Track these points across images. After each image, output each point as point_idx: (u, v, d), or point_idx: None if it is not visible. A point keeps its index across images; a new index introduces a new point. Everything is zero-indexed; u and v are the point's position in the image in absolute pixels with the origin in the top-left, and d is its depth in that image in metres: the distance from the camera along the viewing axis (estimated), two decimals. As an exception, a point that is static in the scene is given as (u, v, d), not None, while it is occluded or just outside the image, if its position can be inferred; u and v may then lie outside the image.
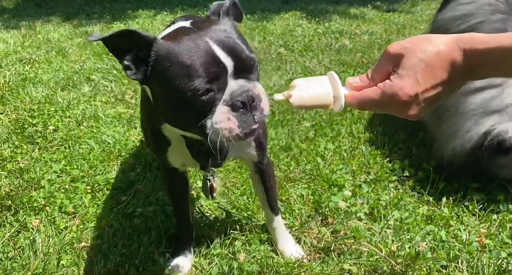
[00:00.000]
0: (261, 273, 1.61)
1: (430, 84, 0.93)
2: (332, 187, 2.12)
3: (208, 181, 1.48)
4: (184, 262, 1.66)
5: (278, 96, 1.02)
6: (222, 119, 1.06)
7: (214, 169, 1.42)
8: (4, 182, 2.15)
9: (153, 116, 1.32)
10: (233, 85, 1.07)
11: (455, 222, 1.84)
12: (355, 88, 1.01)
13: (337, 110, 1.01)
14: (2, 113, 2.96)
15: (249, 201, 2.00)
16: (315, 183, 2.14)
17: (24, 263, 1.64)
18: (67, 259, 1.68)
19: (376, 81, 0.99)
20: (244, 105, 1.06)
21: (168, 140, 1.38)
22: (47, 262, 1.65)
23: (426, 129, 2.49)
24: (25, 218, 1.88)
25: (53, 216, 1.92)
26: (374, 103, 0.97)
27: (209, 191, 1.48)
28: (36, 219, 1.86)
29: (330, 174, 2.19)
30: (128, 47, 1.10)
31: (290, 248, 1.70)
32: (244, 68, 1.09)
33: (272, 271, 1.61)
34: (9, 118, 2.88)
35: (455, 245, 1.71)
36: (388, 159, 2.34)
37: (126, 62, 1.11)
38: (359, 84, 1.02)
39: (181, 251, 1.69)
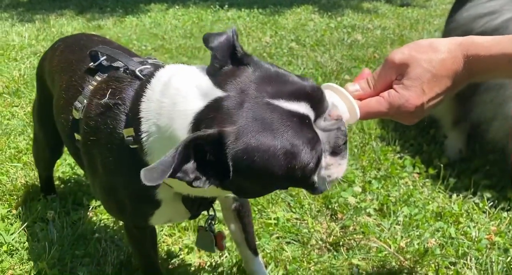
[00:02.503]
0: (268, 266, 1.63)
1: (435, 93, 0.94)
2: (342, 182, 2.12)
3: (211, 233, 1.28)
4: None
5: None
6: (333, 171, 0.91)
7: (214, 215, 1.24)
8: (20, 173, 2.20)
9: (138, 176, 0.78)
10: (322, 129, 0.88)
11: (464, 219, 1.84)
12: (356, 97, 0.97)
13: (353, 122, 0.97)
14: (17, 106, 3.02)
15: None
16: (325, 178, 2.15)
17: (39, 253, 1.69)
18: (81, 250, 1.72)
19: (377, 90, 0.97)
20: (345, 143, 0.91)
21: (158, 201, 1.07)
22: (62, 252, 1.69)
23: (437, 126, 2.48)
24: (40, 210, 1.92)
25: (67, 208, 1.96)
26: (381, 114, 0.97)
27: (214, 242, 1.28)
28: (51, 210, 1.90)
29: (340, 169, 2.19)
30: (187, 159, 0.79)
31: None
32: (318, 104, 0.88)
33: (282, 265, 1.63)
34: (24, 111, 2.94)
35: (464, 242, 1.71)
36: (399, 155, 2.34)
37: (192, 176, 0.81)
38: (360, 93, 0.99)
39: None
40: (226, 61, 0.90)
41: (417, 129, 2.57)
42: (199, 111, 0.85)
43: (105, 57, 1.17)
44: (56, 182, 2.13)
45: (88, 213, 1.94)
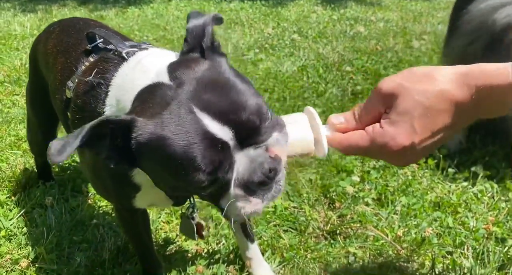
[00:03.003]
0: (265, 253, 1.64)
1: (430, 131, 0.78)
2: (340, 172, 2.12)
3: (192, 220, 1.28)
4: None
5: None
6: (242, 205, 0.86)
7: (194, 204, 1.23)
8: (19, 160, 2.21)
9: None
10: (243, 160, 0.83)
11: (463, 209, 1.84)
12: (339, 130, 0.87)
13: (321, 156, 0.88)
14: (18, 95, 3.02)
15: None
16: (324, 168, 2.15)
17: (37, 238, 1.70)
18: (78, 236, 1.73)
19: (364, 123, 0.85)
20: (264, 184, 0.84)
21: (138, 185, 1.09)
22: (60, 238, 1.70)
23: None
24: (38, 196, 1.93)
25: (65, 195, 1.97)
26: (362, 151, 0.84)
27: (195, 230, 1.28)
28: (49, 196, 1.91)
29: (339, 159, 2.19)
30: (103, 137, 0.83)
31: None
32: (251, 132, 0.83)
33: (278, 253, 1.64)
34: (25, 100, 2.93)
35: (462, 232, 1.71)
36: (398, 146, 2.33)
37: (106, 154, 0.85)
38: (343, 126, 0.87)
39: None
40: (195, 46, 0.90)
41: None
42: (141, 89, 0.89)
43: (101, 40, 1.17)
44: (56, 169, 2.14)
45: (87, 200, 1.94)
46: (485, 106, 0.77)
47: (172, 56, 0.98)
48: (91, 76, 1.06)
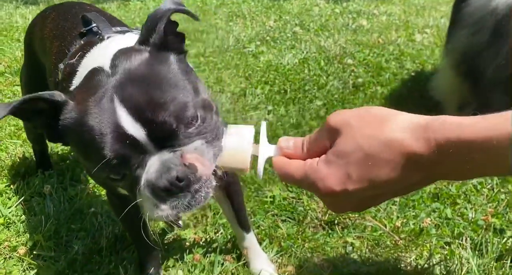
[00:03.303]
0: (263, 242, 1.64)
1: (368, 182, 0.68)
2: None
3: None
4: None
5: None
6: (150, 206, 0.84)
7: None
8: (19, 150, 2.21)
9: None
10: (153, 162, 0.82)
11: (462, 200, 1.83)
12: (285, 155, 0.81)
13: (243, 172, 0.84)
14: (18, 86, 3.02)
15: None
16: (323, 159, 2.14)
17: (35, 226, 1.70)
18: (76, 224, 1.73)
19: (309, 154, 0.78)
20: (169, 190, 0.81)
21: None
22: (58, 226, 1.70)
23: (439, 108, 2.46)
24: (37, 184, 1.93)
25: (64, 184, 1.97)
26: (296, 182, 0.78)
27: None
28: (48, 185, 1.91)
29: (339, 151, 2.18)
30: (40, 112, 0.87)
31: (265, 268, 1.50)
32: (166, 134, 0.81)
33: (276, 242, 1.63)
34: (20, 84, 2.94)
35: (460, 223, 1.70)
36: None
37: (42, 129, 0.89)
38: (289, 152, 0.81)
39: None
40: (146, 39, 0.90)
41: (417, 111, 2.54)
42: (88, 72, 0.92)
43: (95, 24, 1.17)
44: (54, 158, 2.14)
45: (85, 189, 1.94)
46: (451, 164, 0.65)
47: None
48: (74, 59, 1.07)
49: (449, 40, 2.38)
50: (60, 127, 0.86)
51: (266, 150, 0.83)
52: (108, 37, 1.09)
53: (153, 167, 0.82)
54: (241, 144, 0.83)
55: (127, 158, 0.81)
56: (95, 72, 0.89)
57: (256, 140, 0.87)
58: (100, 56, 0.96)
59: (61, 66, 1.15)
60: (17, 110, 0.83)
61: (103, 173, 0.83)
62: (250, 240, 1.51)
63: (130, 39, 1.04)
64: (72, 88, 1.01)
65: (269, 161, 0.86)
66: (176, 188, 0.81)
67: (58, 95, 0.85)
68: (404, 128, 0.67)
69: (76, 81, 1.02)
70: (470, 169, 0.67)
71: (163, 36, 0.89)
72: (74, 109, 0.84)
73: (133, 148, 0.80)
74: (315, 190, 0.74)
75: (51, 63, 1.28)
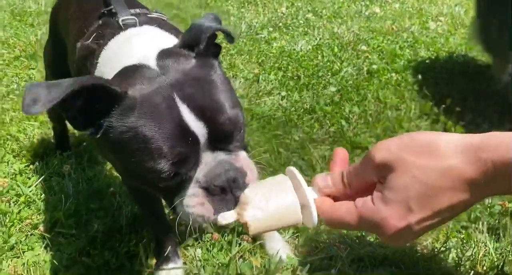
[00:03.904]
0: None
1: (431, 211, 0.66)
2: (355, 149, 2.12)
3: None
4: (176, 271, 1.45)
5: (228, 216, 0.76)
6: (194, 204, 0.84)
7: None
8: (36, 132, 2.24)
9: None
10: (209, 161, 0.83)
11: (478, 185, 1.83)
12: (326, 194, 0.76)
13: (310, 226, 0.76)
14: (34, 69, 3.06)
15: (272, 158, 2.02)
16: (338, 144, 2.15)
17: (55, 205, 1.73)
18: (95, 204, 1.75)
19: (353, 190, 0.74)
20: (223, 190, 0.83)
21: None
22: (77, 205, 1.73)
23: (454, 96, 2.45)
24: (56, 164, 1.96)
25: (82, 165, 2.00)
26: (349, 227, 0.74)
27: None
28: (66, 165, 1.94)
29: (354, 136, 2.19)
30: (79, 96, 0.80)
31: (281, 248, 1.50)
32: (223, 136, 0.83)
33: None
34: (41, 74, 2.96)
35: (477, 208, 1.70)
36: (413, 124, 2.31)
37: (71, 113, 0.82)
38: (331, 190, 0.76)
39: (169, 260, 1.45)
40: (189, 45, 0.90)
41: (434, 99, 2.54)
42: (126, 67, 0.89)
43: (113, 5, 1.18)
44: (72, 141, 2.17)
45: (103, 170, 1.97)
46: (504, 183, 0.63)
47: (166, 40, 0.98)
48: (89, 40, 1.08)
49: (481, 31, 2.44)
50: (109, 120, 0.82)
51: (310, 194, 0.75)
52: (123, 21, 1.08)
53: (208, 166, 0.83)
54: (287, 196, 0.75)
55: (187, 156, 0.81)
56: (139, 68, 0.87)
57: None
58: (129, 51, 0.94)
59: (78, 45, 1.16)
60: (70, 94, 0.75)
61: (156, 172, 0.80)
62: None
63: (154, 33, 1.06)
64: (95, 71, 1.01)
65: None
66: (230, 188, 0.82)
67: (117, 85, 0.82)
68: (459, 152, 0.64)
69: (96, 72, 1.01)
70: None
71: (207, 46, 0.91)
72: (131, 103, 0.81)
73: (193, 147, 0.81)
74: (377, 231, 0.71)
75: (71, 44, 1.30)
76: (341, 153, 0.82)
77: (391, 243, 0.73)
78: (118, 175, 1.93)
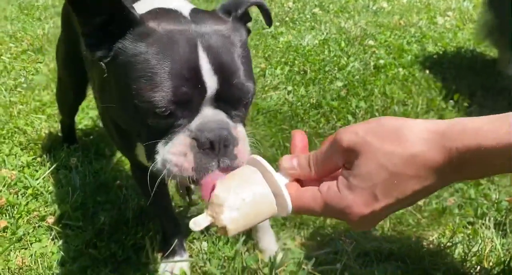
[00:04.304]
0: (286, 219, 1.65)
1: (395, 198, 0.66)
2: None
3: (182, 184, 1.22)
4: (181, 264, 1.45)
5: (201, 222, 0.70)
6: (177, 152, 0.80)
7: None
8: (44, 125, 2.25)
9: None
10: (208, 114, 0.81)
11: (485, 181, 1.82)
12: (292, 176, 0.75)
13: (284, 215, 0.73)
14: (41, 63, 3.07)
15: (278, 152, 2.02)
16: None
17: (62, 197, 1.74)
18: (102, 197, 1.76)
19: (319, 174, 0.73)
20: (212, 146, 0.79)
21: None
22: (84, 198, 1.74)
23: (461, 91, 2.43)
24: (63, 157, 1.97)
25: (89, 158, 2.01)
26: (315, 214, 0.73)
27: (185, 192, 1.24)
28: (73, 158, 1.95)
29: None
30: (100, 11, 0.81)
31: (272, 246, 1.50)
32: (230, 99, 0.82)
33: (298, 218, 1.65)
34: (48, 68, 2.98)
35: (484, 203, 1.69)
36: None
37: (89, 29, 0.83)
38: (297, 172, 0.74)
39: (175, 253, 1.46)
40: (226, 12, 0.92)
41: (441, 95, 2.52)
42: (157, 7, 0.90)
43: None
44: (79, 134, 2.18)
45: (110, 163, 1.98)
46: (470, 169, 0.64)
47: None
48: None
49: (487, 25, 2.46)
50: (122, 42, 0.82)
51: (280, 181, 0.72)
52: None
53: (206, 117, 0.81)
54: (258, 187, 0.71)
55: (189, 100, 0.79)
56: (172, 11, 0.88)
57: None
58: (161, 2, 0.94)
59: None
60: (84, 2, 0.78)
61: (152, 105, 0.78)
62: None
63: None
64: None
65: None
66: (219, 146, 0.80)
67: (135, 11, 0.83)
68: (424, 139, 0.64)
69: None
70: (489, 172, 0.67)
71: (243, 14, 0.93)
72: (149, 31, 0.81)
73: (199, 95, 0.79)
74: (342, 217, 0.70)
75: None
76: (300, 135, 0.80)
77: (355, 228, 0.73)
78: (124, 168, 1.94)
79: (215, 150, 0.80)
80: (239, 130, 0.85)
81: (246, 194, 0.70)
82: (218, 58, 0.80)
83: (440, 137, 0.64)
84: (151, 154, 0.85)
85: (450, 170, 0.64)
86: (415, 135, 0.65)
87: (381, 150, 0.65)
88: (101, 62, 0.87)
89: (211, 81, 0.79)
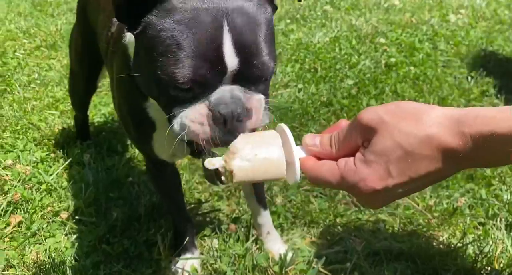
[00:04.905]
0: (296, 217, 1.66)
1: (408, 177, 0.69)
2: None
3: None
4: (192, 261, 1.47)
5: (214, 163, 0.77)
6: (194, 119, 0.86)
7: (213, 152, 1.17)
8: (57, 121, 2.28)
9: (134, 89, 1.02)
10: (225, 90, 0.85)
11: (497, 181, 1.82)
12: (312, 153, 0.78)
13: (292, 182, 0.79)
14: (54, 59, 3.10)
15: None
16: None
17: (76, 193, 1.77)
18: (115, 193, 1.79)
19: (339, 152, 0.76)
20: (225, 121, 0.85)
21: (153, 122, 1.13)
22: (97, 194, 1.76)
23: (473, 90, 2.41)
24: (77, 153, 2.00)
25: (102, 154, 2.03)
26: (330, 185, 0.76)
27: (215, 176, 1.27)
28: (86, 154, 1.97)
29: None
30: None
31: (277, 247, 1.50)
32: (250, 77, 0.86)
33: (308, 215, 1.66)
34: (61, 64, 3.01)
35: (495, 204, 1.69)
36: (431, 119, 2.29)
37: (119, 1, 0.87)
38: (318, 150, 0.78)
39: (186, 250, 1.47)
40: None
41: (453, 93, 2.51)
42: None
43: None
44: (91, 130, 2.20)
45: (122, 160, 2.00)
46: (482, 156, 0.67)
47: None
48: None
49: None
50: (152, 15, 0.86)
51: (297, 152, 0.78)
52: None
53: (223, 93, 0.85)
54: (274, 150, 0.77)
55: (207, 82, 0.84)
56: None
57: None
58: None
59: (114, 20, 1.18)
60: None
61: (173, 79, 0.83)
62: (266, 217, 1.52)
63: None
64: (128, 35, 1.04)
65: None
66: (230, 121, 0.84)
67: None
68: (440, 123, 0.67)
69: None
70: (502, 160, 0.69)
71: None
72: (175, 7, 0.84)
73: (217, 76, 0.84)
74: (355, 191, 0.73)
75: (105, 19, 1.32)
76: (342, 124, 0.82)
77: (366, 204, 0.77)
78: (137, 165, 1.96)
79: (227, 126, 0.85)
80: (255, 100, 0.88)
81: (260, 151, 0.76)
82: (242, 39, 0.83)
83: (455, 122, 0.67)
84: (171, 118, 0.90)
85: (463, 155, 0.67)
86: (432, 119, 0.68)
87: (398, 129, 0.68)
88: (131, 33, 0.92)
89: (232, 62, 0.83)
